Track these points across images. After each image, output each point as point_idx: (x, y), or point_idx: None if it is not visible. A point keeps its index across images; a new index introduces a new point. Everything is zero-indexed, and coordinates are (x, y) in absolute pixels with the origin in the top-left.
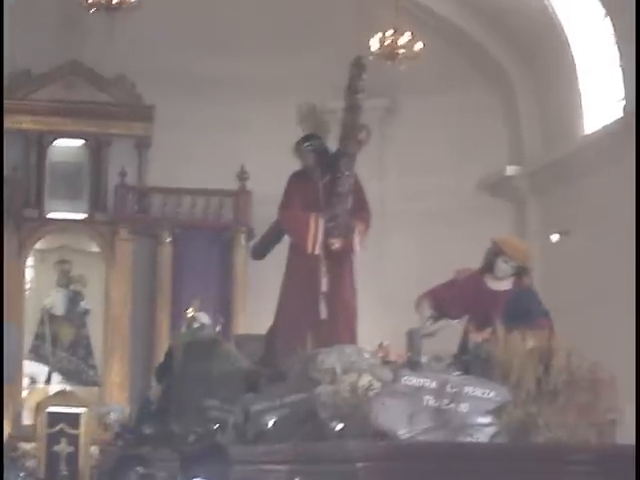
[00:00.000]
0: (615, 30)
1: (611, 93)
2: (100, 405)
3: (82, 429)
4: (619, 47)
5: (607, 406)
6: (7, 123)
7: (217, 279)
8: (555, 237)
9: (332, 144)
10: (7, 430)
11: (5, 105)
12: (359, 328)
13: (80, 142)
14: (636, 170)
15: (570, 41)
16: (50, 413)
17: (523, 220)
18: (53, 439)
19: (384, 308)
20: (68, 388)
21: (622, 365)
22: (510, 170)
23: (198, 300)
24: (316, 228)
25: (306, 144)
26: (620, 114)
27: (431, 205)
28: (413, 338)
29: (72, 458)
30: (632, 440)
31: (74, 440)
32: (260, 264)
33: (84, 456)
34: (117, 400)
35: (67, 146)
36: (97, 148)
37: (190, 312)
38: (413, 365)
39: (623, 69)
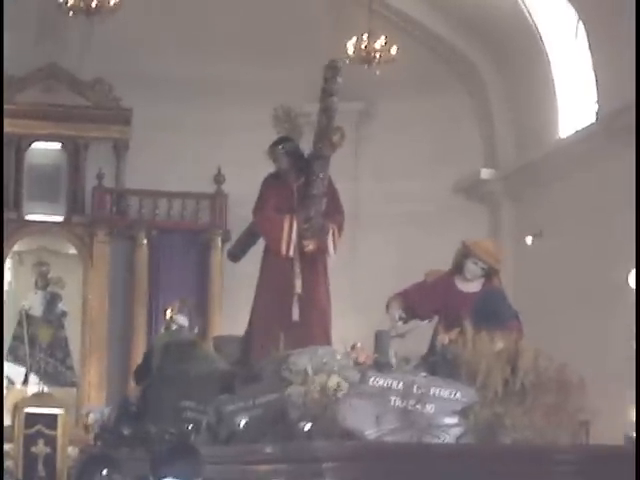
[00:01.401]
0: (588, 34)
1: (585, 97)
2: (78, 406)
3: (60, 430)
4: (592, 52)
5: (576, 407)
6: None
7: (193, 281)
8: (529, 239)
9: (307, 147)
10: None
11: None
12: (334, 330)
13: (58, 145)
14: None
15: (545, 45)
16: (27, 414)
17: (497, 223)
18: (30, 440)
19: (359, 310)
20: (46, 389)
21: (596, 367)
22: (485, 173)
23: (177, 302)
24: (290, 230)
25: (280, 147)
26: (594, 118)
27: (406, 208)
28: (381, 339)
29: (50, 459)
30: (606, 440)
31: (52, 441)
32: (236, 266)
33: (62, 457)
34: (95, 401)
35: (45, 149)
36: (75, 151)
37: (169, 314)
38: (380, 366)
39: (596, 73)
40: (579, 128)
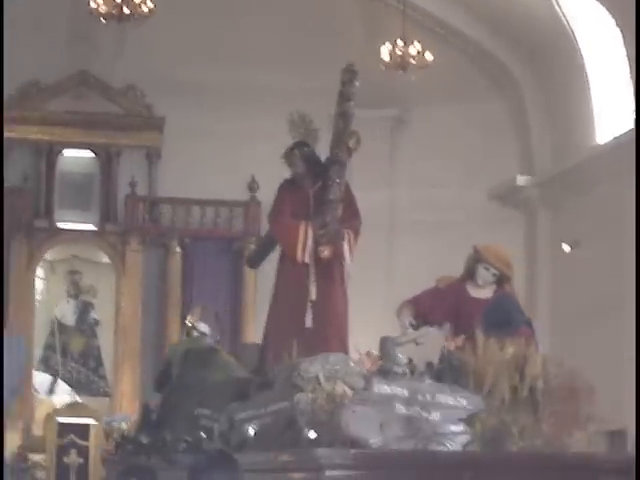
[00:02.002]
0: (625, 41)
1: (622, 104)
2: (110, 416)
3: (92, 440)
4: (629, 58)
5: (587, 415)
6: (17, 133)
7: (227, 289)
8: (566, 247)
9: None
10: (18, 441)
11: (15, 115)
12: (365, 337)
13: (90, 153)
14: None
15: (582, 51)
16: (60, 424)
17: (534, 230)
18: (63, 450)
19: (393, 317)
20: (78, 399)
21: (631, 374)
22: (521, 180)
23: (199, 308)
24: (306, 236)
25: (296, 151)
26: (631, 125)
27: (441, 215)
28: (386, 345)
29: (82, 469)
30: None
31: (84, 451)
32: (269, 274)
33: (94, 467)
34: (127, 411)
35: (77, 156)
36: (107, 159)
37: (189, 321)
38: (385, 373)
39: (634, 80)
40: (616, 134)
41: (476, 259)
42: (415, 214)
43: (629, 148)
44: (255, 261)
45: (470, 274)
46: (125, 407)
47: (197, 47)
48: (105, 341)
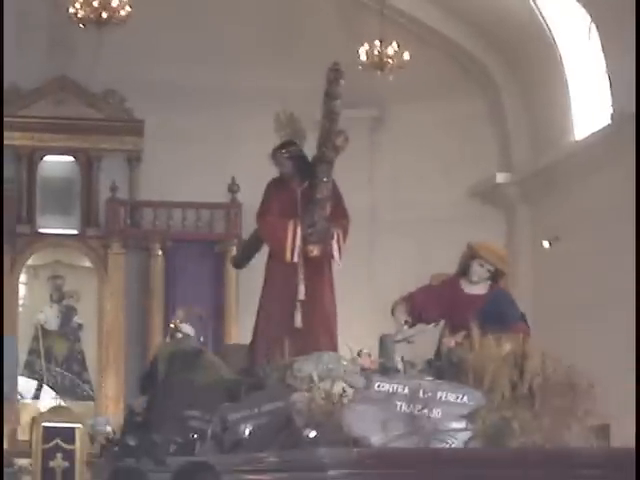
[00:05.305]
0: (601, 36)
1: (600, 100)
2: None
3: (77, 444)
4: (605, 53)
5: (586, 411)
6: None
7: (209, 291)
8: (546, 244)
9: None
10: (3, 445)
11: None
12: (349, 336)
13: (71, 158)
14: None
15: (558, 47)
16: (45, 428)
17: (514, 227)
18: (49, 454)
19: (376, 317)
20: (63, 403)
21: (615, 369)
22: (500, 177)
23: (182, 310)
24: (294, 235)
25: (283, 151)
26: (609, 120)
27: (421, 213)
28: (385, 344)
29: (68, 473)
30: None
31: (70, 455)
32: (252, 275)
33: (80, 471)
34: (113, 414)
35: (58, 161)
36: (88, 163)
37: (173, 323)
38: (385, 371)
39: (610, 76)
40: (594, 130)
41: (471, 255)
42: (395, 213)
43: (606, 144)
44: (241, 262)
45: (464, 271)
46: (111, 410)
47: (176, 50)
48: (89, 345)
